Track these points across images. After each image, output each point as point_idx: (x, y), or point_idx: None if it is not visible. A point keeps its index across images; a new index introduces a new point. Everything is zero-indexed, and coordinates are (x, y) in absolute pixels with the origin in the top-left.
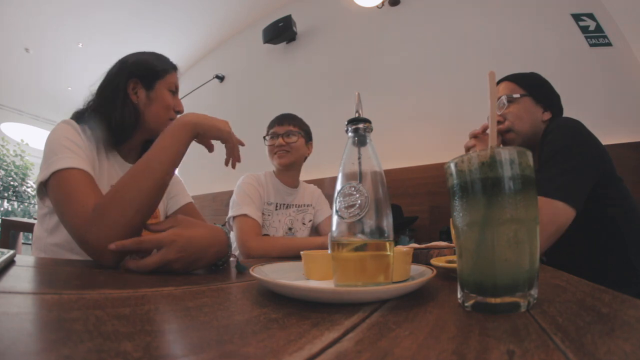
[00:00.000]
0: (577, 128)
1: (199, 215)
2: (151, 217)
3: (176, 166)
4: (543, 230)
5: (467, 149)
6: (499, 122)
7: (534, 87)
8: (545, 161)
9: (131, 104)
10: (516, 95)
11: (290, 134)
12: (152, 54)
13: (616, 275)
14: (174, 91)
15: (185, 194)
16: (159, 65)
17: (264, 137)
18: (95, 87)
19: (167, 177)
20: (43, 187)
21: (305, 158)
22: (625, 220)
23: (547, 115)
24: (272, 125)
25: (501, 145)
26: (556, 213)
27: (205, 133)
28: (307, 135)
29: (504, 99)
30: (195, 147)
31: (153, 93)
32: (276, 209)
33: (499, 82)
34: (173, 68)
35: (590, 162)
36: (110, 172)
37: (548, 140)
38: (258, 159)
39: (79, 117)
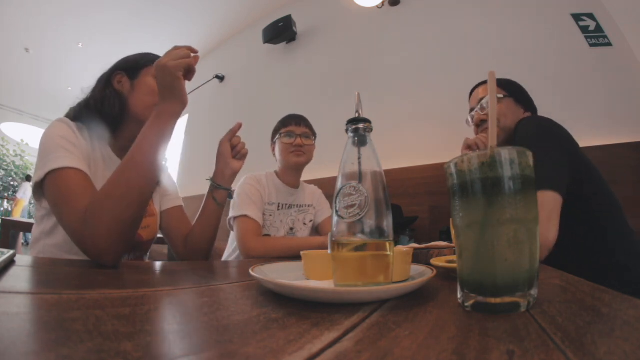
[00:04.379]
0: (542, 120)
1: (187, 219)
2: (147, 213)
3: (161, 154)
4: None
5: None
6: (483, 121)
7: (514, 90)
8: None
9: (115, 92)
10: (500, 95)
11: (307, 136)
12: (140, 53)
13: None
14: None
15: (178, 197)
16: (144, 58)
17: (279, 133)
18: (88, 89)
19: (153, 168)
20: (39, 188)
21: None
22: (604, 216)
23: (527, 115)
24: (287, 124)
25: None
26: (541, 203)
27: (173, 97)
28: (315, 141)
29: (487, 98)
30: (195, 147)
31: (137, 81)
32: (278, 209)
33: (478, 85)
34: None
35: (560, 146)
36: (105, 170)
37: (519, 137)
38: (259, 159)
39: (73, 115)
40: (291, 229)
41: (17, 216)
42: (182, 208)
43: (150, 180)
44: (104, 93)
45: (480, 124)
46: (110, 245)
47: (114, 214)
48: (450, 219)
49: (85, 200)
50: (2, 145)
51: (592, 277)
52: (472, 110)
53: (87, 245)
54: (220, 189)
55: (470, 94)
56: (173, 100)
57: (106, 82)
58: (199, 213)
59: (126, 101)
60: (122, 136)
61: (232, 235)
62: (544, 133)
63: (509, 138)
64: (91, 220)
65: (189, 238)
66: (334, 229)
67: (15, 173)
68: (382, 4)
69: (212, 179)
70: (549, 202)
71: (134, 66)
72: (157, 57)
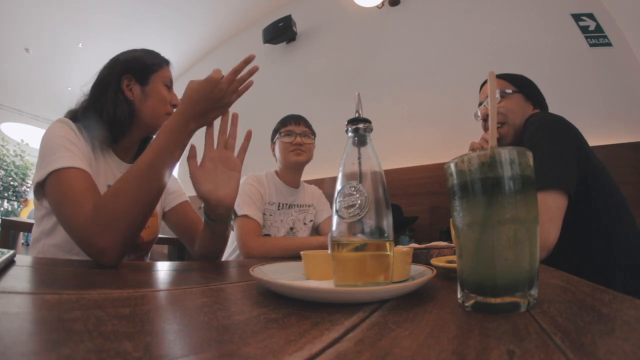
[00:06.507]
0: (551, 117)
1: (194, 212)
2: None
3: (176, 164)
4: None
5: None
6: None
7: (524, 85)
8: None
9: (125, 100)
10: (509, 91)
11: (306, 135)
12: (143, 50)
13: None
14: (169, 85)
15: (182, 192)
16: (152, 60)
17: (279, 133)
18: (87, 87)
19: (168, 176)
20: (40, 188)
21: None
22: (611, 216)
23: (537, 111)
24: (286, 123)
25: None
26: (545, 203)
27: (205, 123)
28: (314, 140)
29: (497, 93)
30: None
31: (148, 88)
32: (278, 209)
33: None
34: (165, 62)
35: (569, 144)
36: (106, 171)
37: (527, 134)
38: (259, 159)
39: (73, 116)
40: (291, 228)
41: (25, 217)
42: (188, 203)
43: (163, 187)
44: (116, 98)
45: (487, 119)
46: (116, 244)
47: (124, 215)
48: (450, 219)
49: (90, 199)
50: (2, 145)
51: (600, 276)
52: (480, 104)
53: (92, 243)
54: (217, 223)
55: (481, 88)
56: (201, 120)
57: (116, 85)
58: (200, 237)
59: (136, 107)
60: (125, 138)
61: (232, 235)
62: (553, 130)
63: (518, 135)
64: (100, 218)
65: (197, 247)
66: (334, 229)
67: (15, 173)
68: (382, 4)
69: (206, 214)
70: (553, 203)
71: (143, 70)
72: (162, 58)
